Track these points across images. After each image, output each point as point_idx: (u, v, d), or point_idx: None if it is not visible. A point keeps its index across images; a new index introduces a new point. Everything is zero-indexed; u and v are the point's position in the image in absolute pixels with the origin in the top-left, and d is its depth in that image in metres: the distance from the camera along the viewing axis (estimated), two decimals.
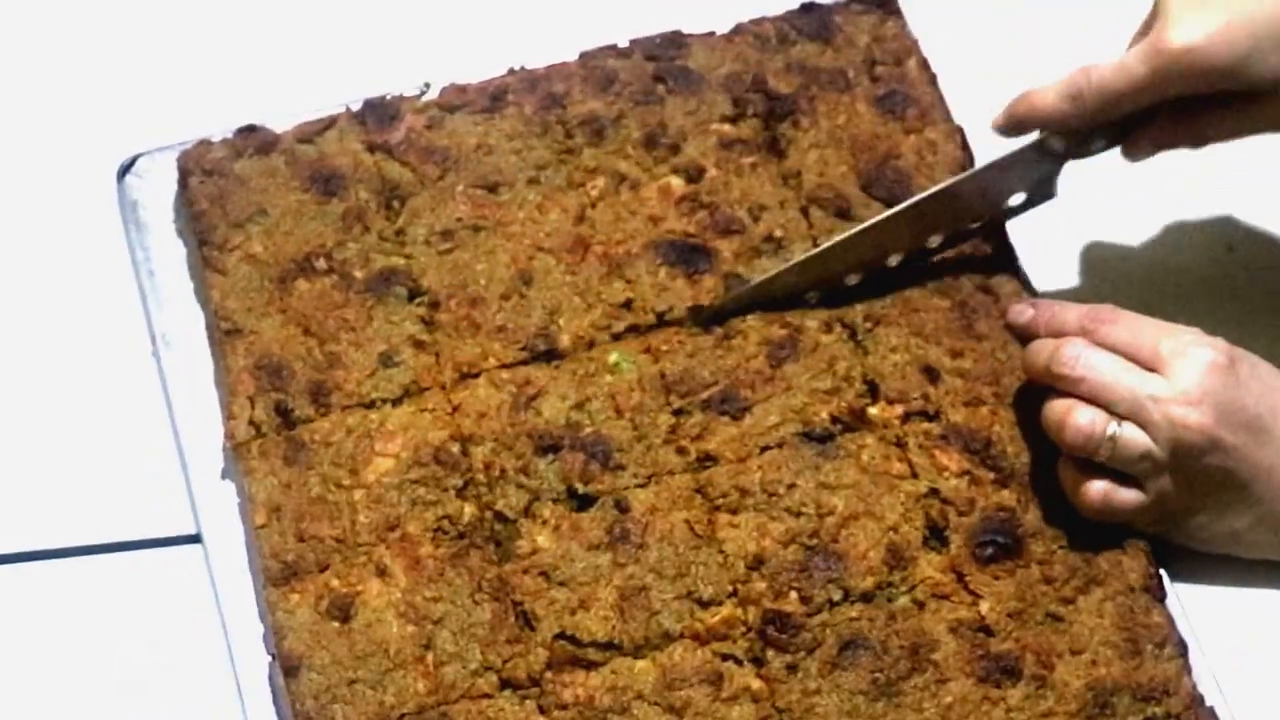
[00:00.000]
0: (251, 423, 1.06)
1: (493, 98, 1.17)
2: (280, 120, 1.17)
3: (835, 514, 1.03)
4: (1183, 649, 1.01)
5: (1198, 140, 1.06)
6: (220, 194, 1.13)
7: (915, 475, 1.04)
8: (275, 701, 1.00)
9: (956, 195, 1.09)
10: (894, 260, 1.10)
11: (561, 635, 0.99)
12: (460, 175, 1.14)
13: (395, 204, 1.13)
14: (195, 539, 1.06)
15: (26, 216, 1.19)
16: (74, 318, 1.15)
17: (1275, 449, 1.00)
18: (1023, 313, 1.07)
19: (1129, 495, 1.01)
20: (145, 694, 1.03)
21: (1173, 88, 1.02)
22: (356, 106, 1.17)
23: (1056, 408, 1.01)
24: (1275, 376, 1.02)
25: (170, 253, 1.14)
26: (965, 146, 1.16)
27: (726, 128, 1.16)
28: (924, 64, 1.19)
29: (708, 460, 1.05)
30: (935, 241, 1.11)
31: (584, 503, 1.04)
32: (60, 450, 1.11)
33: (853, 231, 1.09)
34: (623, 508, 1.03)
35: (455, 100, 1.17)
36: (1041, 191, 1.10)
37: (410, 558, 1.02)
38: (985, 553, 1.02)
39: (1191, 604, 1.04)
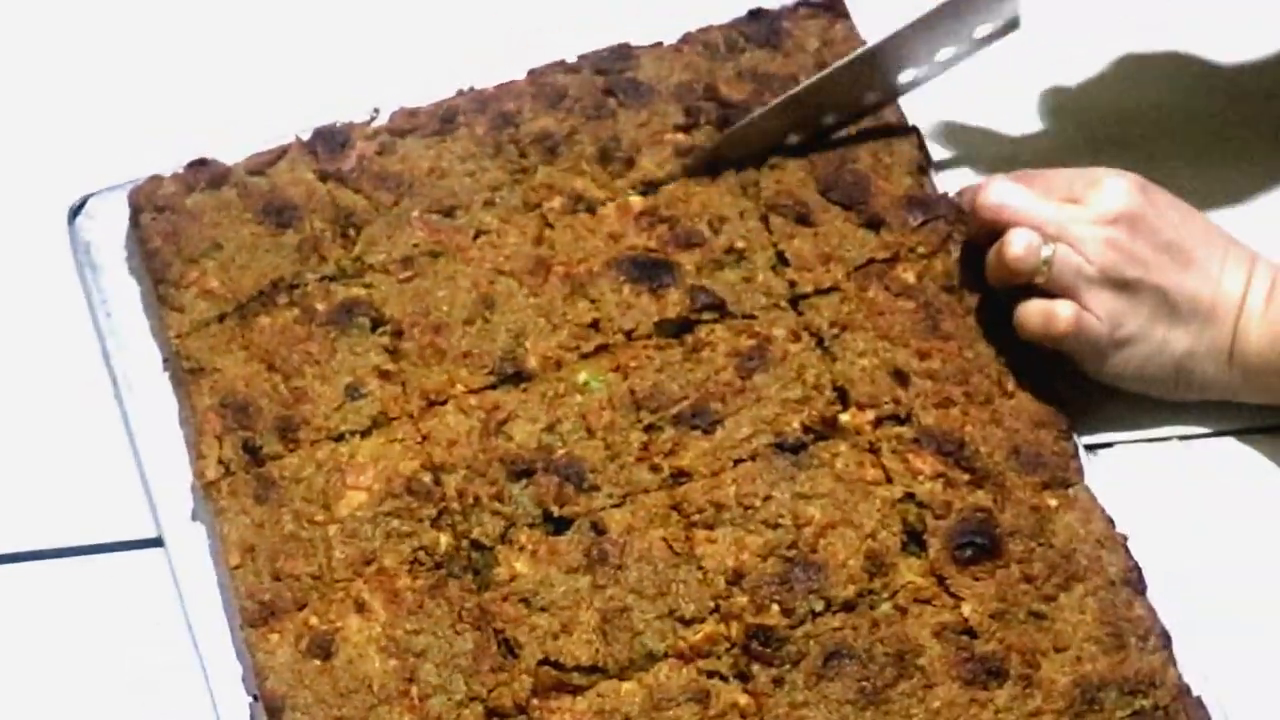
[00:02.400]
0: (220, 462, 1.05)
1: (443, 120, 1.16)
2: (231, 153, 1.16)
3: (812, 524, 1.02)
4: (1166, 640, 1.01)
5: None
6: (173, 230, 1.12)
7: (890, 480, 1.04)
8: None
9: (930, 27, 1.11)
10: (871, 98, 1.15)
11: (545, 661, 0.99)
12: (415, 200, 1.13)
13: (351, 232, 1.12)
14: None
15: None
16: (33, 363, 1.14)
17: (1199, 275, 1.05)
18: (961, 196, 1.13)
19: (1066, 309, 1.03)
20: None
21: None
22: (307, 135, 1.16)
23: (995, 247, 1.05)
24: (1191, 210, 1.07)
25: (126, 292, 1.13)
26: (922, 146, 1.16)
27: (680, 137, 1.16)
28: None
29: (681, 476, 1.04)
30: (909, 77, 1.14)
31: (560, 526, 1.03)
32: (27, 501, 1.10)
33: (828, 70, 1.13)
34: (599, 529, 1.02)
35: (406, 124, 1.16)
36: (1007, 23, 1.12)
37: (388, 591, 1.01)
38: (964, 555, 1.01)
39: (1177, 597, 1.04)
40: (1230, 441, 1.11)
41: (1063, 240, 1.04)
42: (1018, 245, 1.04)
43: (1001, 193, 1.06)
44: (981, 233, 1.08)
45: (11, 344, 1.15)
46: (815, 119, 1.15)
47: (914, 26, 1.11)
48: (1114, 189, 1.05)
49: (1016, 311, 1.06)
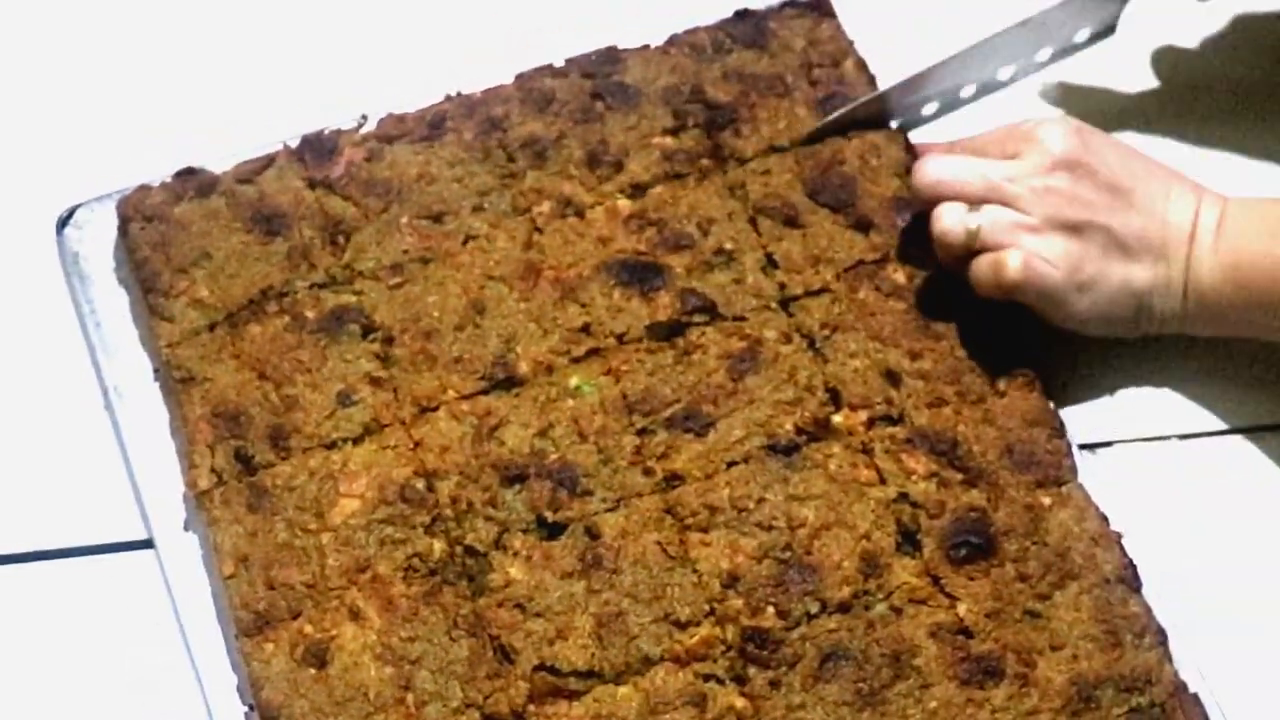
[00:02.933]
0: (213, 470, 1.05)
1: (431, 125, 1.16)
2: (219, 161, 1.16)
3: (806, 526, 1.02)
4: (1162, 637, 1.01)
5: None
6: (162, 239, 1.12)
7: (884, 481, 1.04)
8: None
9: (1038, 26, 1.18)
10: (967, 91, 1.21)
11: (541, 667, 0.99)
12: (404, 207, 1.13)
13: (340, 239, 1.12)
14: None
15: None
16: (22, 375, 1.14)
17: (1145, 212, 1.06)
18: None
19: (1015, 257, 1.04)
20: None
21: None
22: (295, 143, 1.16)
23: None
24: (1130, 150, 1.09)
25: (116, 302, 1.13)
26: (909, 148, 1.15)
27: (668, 140, 1.16)
28: (861, 65, 1.19)
29: (675, 479, 1.04)
30: (1007, 74, 1.21)
31: (554, 531, 1.03)
32: (18, 511, 1.09)
33: (930, 66, 1.17)
34: (593, 534, 1.02)
35: (394, 130, 1.16)
36: (1104, 28, 1.20)
37: (383, 599, 1.01)
38: (959, 554, 1.01)
39: (1175, 596, 1.04)
40: (1229, 440, 1.11)
41: (995, 200, 1.05)
42: (944, 221, 1.06)
43: (934, 169, 1.07)
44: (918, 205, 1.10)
45: (2, 353, 1.15)
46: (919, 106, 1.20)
47: (1026, 24, 1.17)
48: (1049, 137, 1.06)
49: (970, 272, 1.06)
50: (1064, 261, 1.04)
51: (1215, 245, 1.05)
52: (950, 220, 1.05)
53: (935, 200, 1.07)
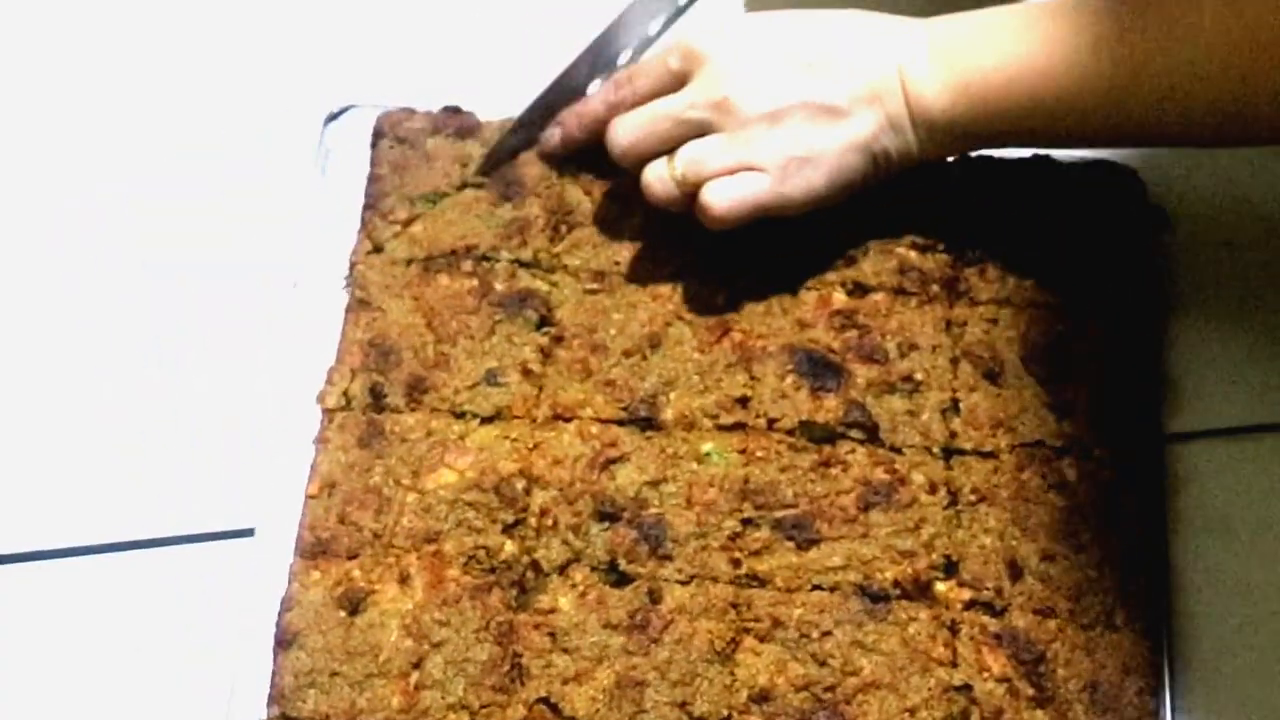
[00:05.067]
0: (345, 394, 1.07)
1: None
2: (490, 110, 1.17)
3: (859, 676, 0.98)
4: None
5: None
6: (404, 163, 1.15)
7: (955, 665, 0.99)
8: None
9: None
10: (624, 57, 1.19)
11: (545, 700, 0.98)
12: (636, 222, 1.13)
13: (562, 228, 1.13)
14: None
15: (236, 142, 1.21)
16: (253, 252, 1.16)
17: (837, 69, 1.05)
18: (550, 138, 1.14)
19: (709, 195, 1.04)
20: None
21: None
22: None
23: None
24: (801, 15, 1.08)
25: (342, 208, 1.15)
26: (1147, 349, 1.09)
27: (911, 254, 1.12)
28: (1139, 251, 1.12)
29: (755, 580, 1.01)
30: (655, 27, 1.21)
31: (620, 580, 1.01)
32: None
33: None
34: (655, 598, 1.00)
35: None
36: None
37: (435, 575, 1.01)
38: None
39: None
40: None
41: (693, 135, 1.05)
42: (649, 182, 1.06)
43: (624, 131, 1.08)
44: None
45: (240, 228, 1.17)
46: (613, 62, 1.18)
47: None
48: (706, 46, 1.06)
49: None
50: (771, 156, 1.04)
51: (933, 72, 1.04)
52: (654, 178, 1.06)
53: (639, 163, 1.07)
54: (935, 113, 1.04)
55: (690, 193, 1.06)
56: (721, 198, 1.04)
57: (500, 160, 1.14)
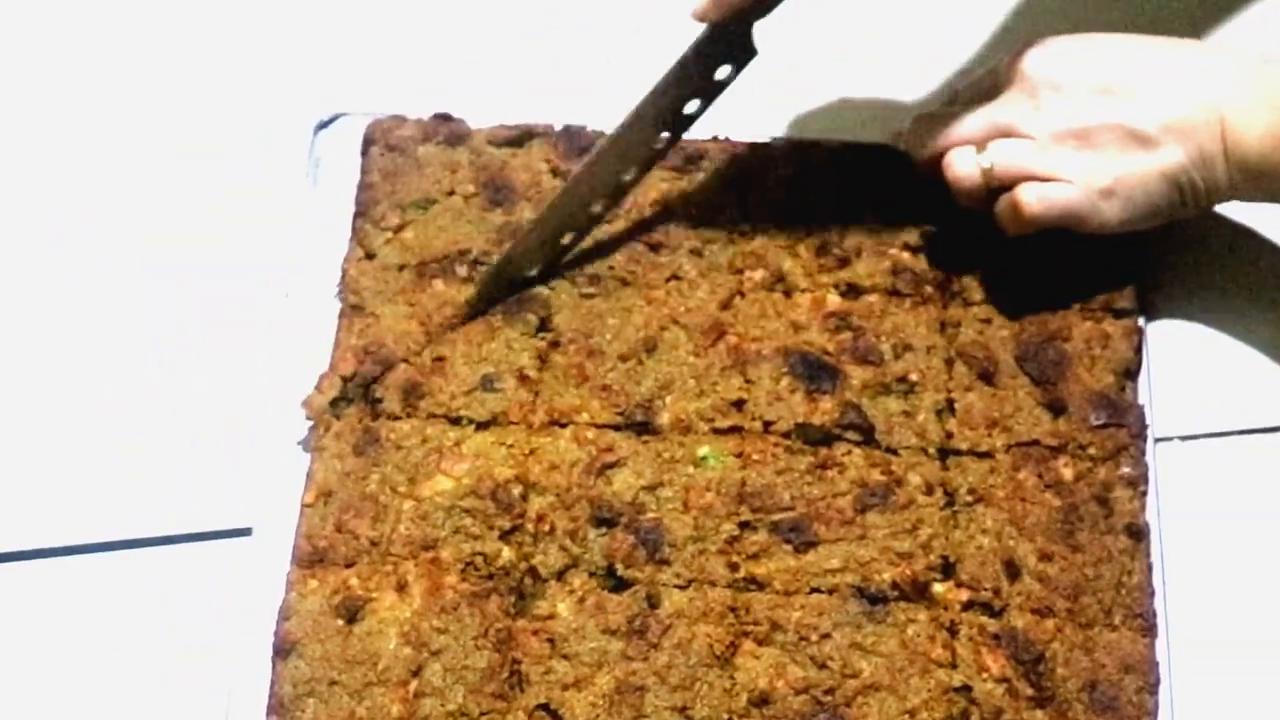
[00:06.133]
0: (337, 400, 1.07)
1: (687, 159, 1.15)
2: (480, 118, 1.17)
3: (859, 679, 0.98)
4: None
5: None
6: (395, 171, 1.14)
7: (954, 666, 0.99)
8: None
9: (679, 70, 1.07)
10: (628, 177, 1.11)
11: (544, 706, 0.98)
12: (628, 226, 1.12)
13: None
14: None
15: (232, 145, 1.21)
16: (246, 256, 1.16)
17: (1153, 97, 1.03)
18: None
19: (1027, 192, 1.04)
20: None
21: None
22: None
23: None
24: (1121, 39, 1.06)
25: (332, 216, 1.15)
26: (1139, 350, 1.09)
27: (905, 255, 1.12)
28: (1132, 250, 1.12)
29: (753, 583, 1.01)
30: (660, 144, 1.11)
31: (618, 585, 1.01)
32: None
33: (594, 153, 1.09)
34: (653, 603, 1.00)
35: None
36: (744, 54, 1.07)
37: (433, 582, 1.01)
38: None
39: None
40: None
41: (999, 135, 1.05)
42: (956, 166, 1.06)
43: (930, 124, 1.09)
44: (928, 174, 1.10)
45: (228, 233, 1.17)
46: (587, 207, 1.11)
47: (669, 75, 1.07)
48: (1024, 62, 1.05)
49: (995, 215, 1.07)
50: (1080, 174, 1.04)
51: (1260, 117, 1.02)
52: (962, 164, 1.06)
53: (936, 157, 1.08)
54: (1253, 157, 1.02)
55: (993, 186, 1.06)
56: (1037, 198, 1.04)
57: (496, 296, 1.10)
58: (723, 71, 1.07)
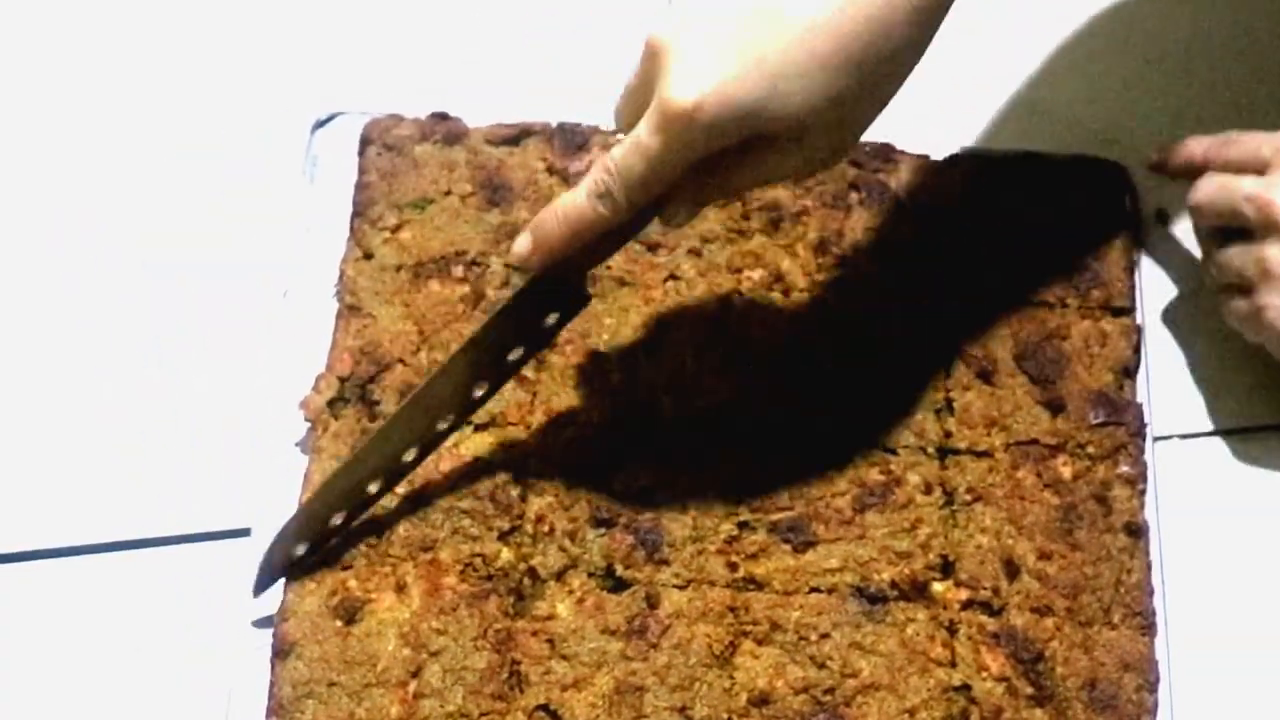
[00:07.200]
0: (334, 401, 1.06)
1: None
2: (478, 117, 1.17)
3: (858, 678, 0.98)
4: None
5: (730, 193, 0.94)
6: (392, 170, 1.14)
7: (954, 665, 0.99)
8: None
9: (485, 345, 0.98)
10: (442, 424, 1.01)
11: (544, 707, 0.97)
12: None
13: None
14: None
15: (230, 145, 1.20)
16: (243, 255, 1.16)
17: None
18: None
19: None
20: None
21: (694, 150, 0.87)
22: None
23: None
24: None
25: (330, 215, 1.15)
26: (1138, 349, 1.09)
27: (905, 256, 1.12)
28: (1128, 248, 1.13)
29: (752, 583, 1.01)
30: (481, 390, 1.00)
31: (617, 586, 1.01)
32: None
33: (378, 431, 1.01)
34: (652, 603, 1.00)
35: None
36: (578, 299, 0.98)
37: (432, 583, 1.01)
38: None
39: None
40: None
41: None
42: (1203, 190, 1.05)
43: (1203, 189, 1.05)
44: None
45: (227, 229, 1.17)
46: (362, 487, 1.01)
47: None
48: None
49: (1225, 308, 1.05)
50: None
51: None
52: (1221, 189, 1.04)
53: (1201, 219, 1.06)
54: None
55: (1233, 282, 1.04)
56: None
57: (273, 579, 1.02)
58: (552, 318, 0.98)
